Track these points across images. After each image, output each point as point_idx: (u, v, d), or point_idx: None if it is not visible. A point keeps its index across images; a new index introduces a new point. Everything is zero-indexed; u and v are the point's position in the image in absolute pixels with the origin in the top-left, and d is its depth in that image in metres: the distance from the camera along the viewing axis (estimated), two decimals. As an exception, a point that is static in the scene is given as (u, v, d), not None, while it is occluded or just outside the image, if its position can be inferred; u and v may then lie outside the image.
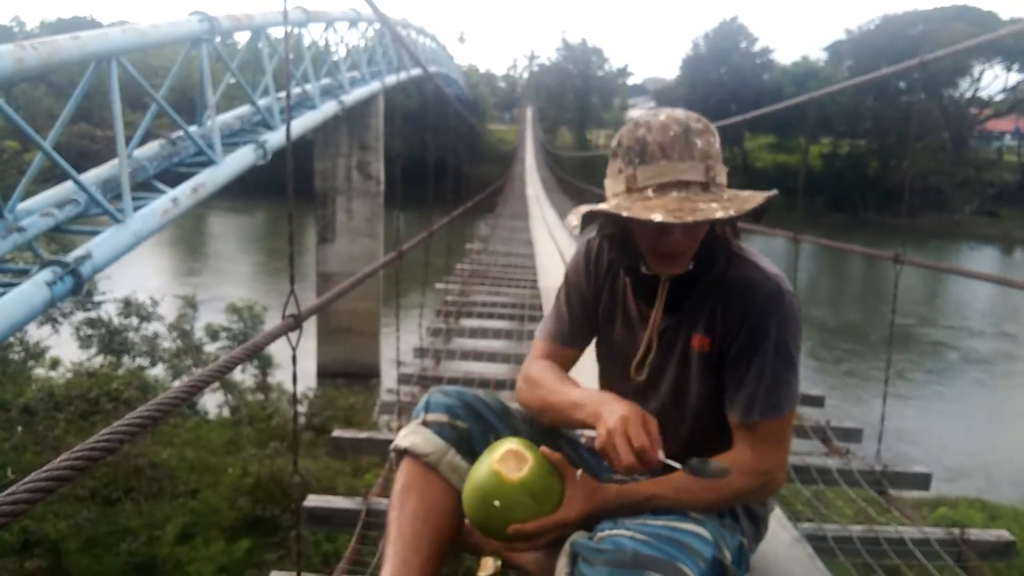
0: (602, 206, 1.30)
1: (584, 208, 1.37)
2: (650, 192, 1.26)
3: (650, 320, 1.47)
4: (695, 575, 1.18)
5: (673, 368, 1.48)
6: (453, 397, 1.52)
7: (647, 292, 1.47)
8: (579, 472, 1.37)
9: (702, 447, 1.41)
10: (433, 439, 1.46)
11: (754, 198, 1.26)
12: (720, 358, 1.43)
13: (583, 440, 1.64)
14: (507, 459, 1.30)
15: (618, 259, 1.51)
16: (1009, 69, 43.97)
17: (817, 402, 3.83)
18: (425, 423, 1.49)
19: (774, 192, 1.29)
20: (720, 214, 1.21)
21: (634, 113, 1.40)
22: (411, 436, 1.49)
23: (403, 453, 1.49)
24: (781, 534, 2.07)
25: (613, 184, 1.32)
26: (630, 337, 1.54)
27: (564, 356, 1.61)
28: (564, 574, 1.21)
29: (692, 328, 1.45)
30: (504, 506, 1.27)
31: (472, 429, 1.47)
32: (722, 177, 1.30)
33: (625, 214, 1.25)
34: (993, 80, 47.99)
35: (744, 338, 1.39)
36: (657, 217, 1.21)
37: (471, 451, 1.46)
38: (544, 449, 1.34)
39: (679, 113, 1.31)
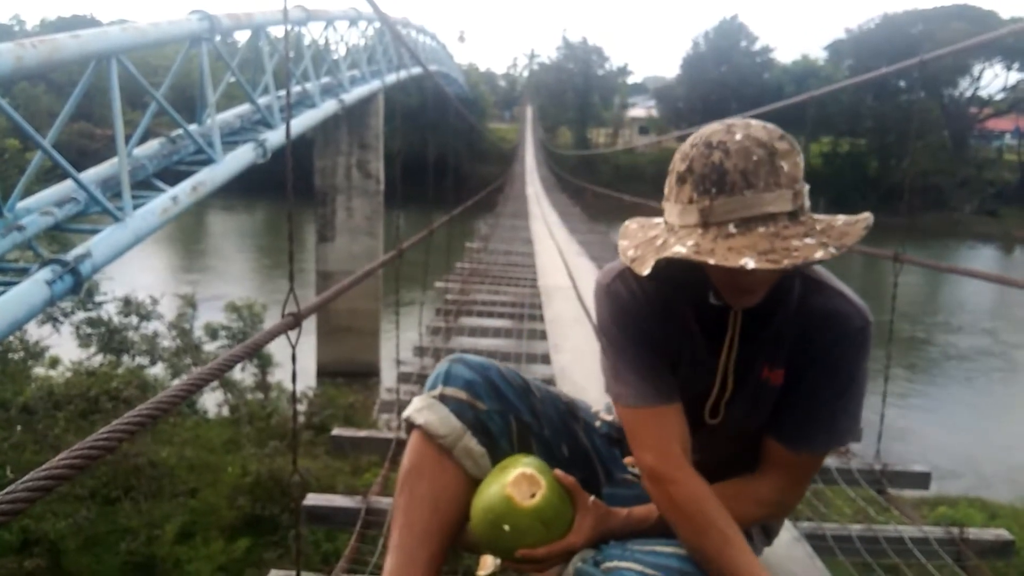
0: (678, 249, 1.12)
1: (637, 230, 1.26)
2: (732, 228, 1.10)
3: (721, 356, 1.33)
4: None
5: (741, 403, 1.36)
6: (476, 371, 1.43)
7: (715, 325, 1.32)
8: (592, 498, 1.33)
9: (741, 469, 1.38)
10: (449, 419, 1.38)
11: (852, 230, 1.11)
12: (792, 386, 1.32)
13: (597, 424, 1.59)
14: (519, 483, 1.27)
15: (674, 290, 1.32)
16: (1009, 68, 44.00)
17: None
18: (443, 397, 1.40)
19: (869, 218, 1.14)
20: (819, 254, 1.06)
21: (709, 128, 1.17)
22: (427, 412, 1.40)
23: (415, 426, 1.41)
24: (780, 533, 2.06)
25: (682, 214, 1.14)
26: (695, 376, 1.36)
27: (676, 415, 1.33)
28: None
29: (766, 360, 1.32)
30: (514, 531, 1.25)
31: (491, 410, 1.40)
32: (805, 200, 1.14)
33: (712, 261, 1.09)
34: (993, 79, 48.19)
35: (822, 370, 1.28)
36: (750, 264, 1.05)
37: (487, 433, 1.40)
38: (558, 472, 1.31)
39: (758, 130, 1.13)
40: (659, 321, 1.34)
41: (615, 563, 1.19)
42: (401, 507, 1.37)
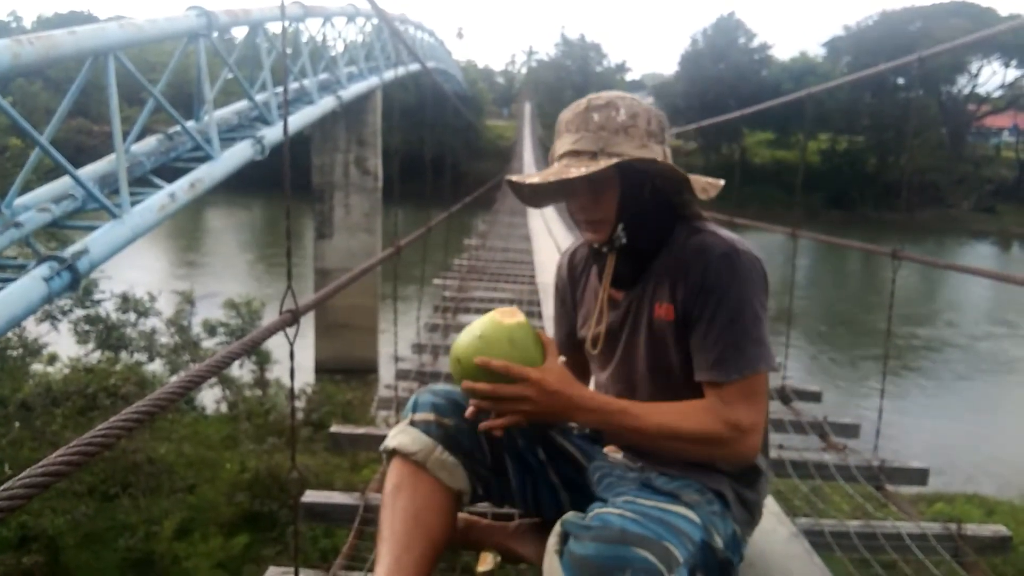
0: (508, 177, 1.50)
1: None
2: (555, 163, 1.42)
3: (603, 287, 1.55)
4: (682, 555, 1.18)
5: (644, 341, 1.50)
6: (440, 396, 1.53)
7: (603, 268, 1.55)
8: (562, 358, 1.43)
9: None
10: (420, 437, 1.48)
11: (600, 165, 1.34)
12: (688, 323, 1.43)
13: (573, 426, 1.64)
14: (505, 311, 1.42)
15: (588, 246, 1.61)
16: (1007, 65, 43.98)
17: (814, 397, 3.84)
18: (413, 422, 1.51)
19: (622, 160, 1.35)
20: (572, 173, 1.33)
21: None
22: (399, 436, 1.51)
23: (392, 453, 1.51)
24: (778, 529, 2.07)
25: None
26: (591, 312, 1.61)
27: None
28: (554, 551, 1.21)
29: (654, 298, 1.47)
30: (483, 340, 1.36)
31: (459, 425, 1.47)
32: (623, 147, 1.37)
33: (514, 179, 1.46)
34: (991, 76, 48.22)
35: (704, 300, 1.39)
36: (532, 180, 1.42)
37: (459, 447, 1.48)
38: (542, 333, 1.42)
39: (599, 96, 1.43)
40: (576, 279, 1.69)
41: (596, 511, 1.23)
42: (385, 521, 1.45)
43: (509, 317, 1.41)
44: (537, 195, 1.58)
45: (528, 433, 1.56)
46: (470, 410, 1.38)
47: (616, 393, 1.54)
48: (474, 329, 1.40)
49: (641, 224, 1.46)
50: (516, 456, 1.56)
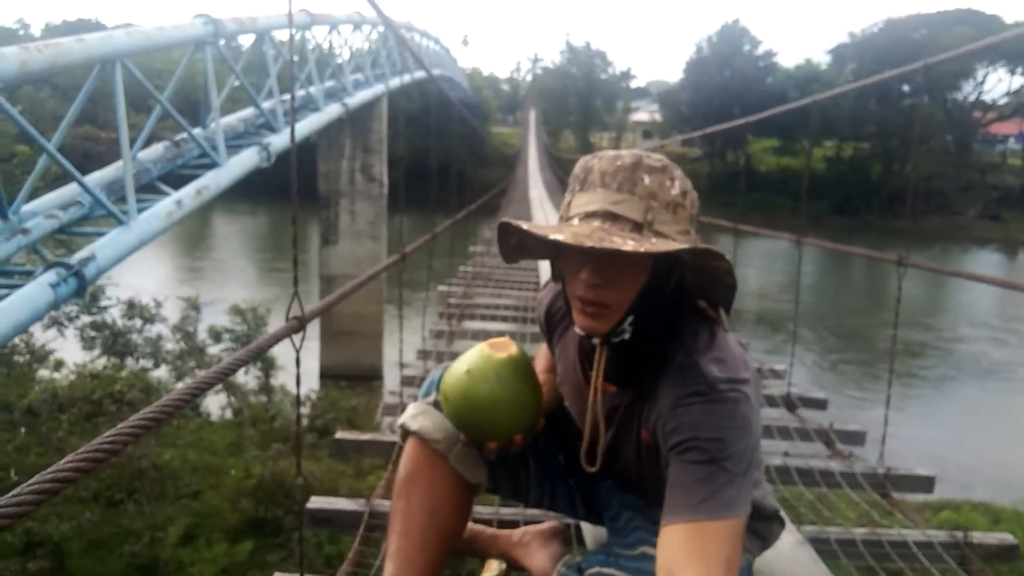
0: (504, 221, 1.20)
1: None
2: (576, 221, 1.12)
3: (592, 391, 1.28)
4: None
5: (629, 453, 1.31)
6: None
7: (588, 356, 1.29)
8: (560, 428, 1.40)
9: None
10: (443, 424, 1.39)
11: (672, 245, 1.09)
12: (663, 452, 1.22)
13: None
14: (497, 344, 1.35)
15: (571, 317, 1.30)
16: (1013, 72, 43.92)
17: (820, 405, 3.83)
18: (437, 404, 1.42)
19: (707, 247, 1.12)
20: (630, 246, 1.04)
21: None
22: (421, 418, 1.42)
23: (411, 433, 1.43)
24: (784, 536, 2.05)
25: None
26: (577, 402, 1.38)
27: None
28: None
29: (642, 418, 1.25)
30: (470, 377, 1.30)
31: None
32: (669, 228, 1.11)
33: (525, 227, 1.13)
34: (997, 83, 48.24)
35: (684, 430, 1.13)
36: (558, 237, 1.06)
37: None
38: (539, 367, 1.38)
39: (653, 155, 1.17)
40: (554, 328, 1.45)
41: (596, 569, 1.20)
42: (399, 513, 1.39)
43: (501, 350, 1.32)
44: (525, 250, 1.33)
45: (551, 435, 1.51)
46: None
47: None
48: (462, 363, 1.32)
49: (652, 324, 1.19)
50: (539, 454, 1.51)
